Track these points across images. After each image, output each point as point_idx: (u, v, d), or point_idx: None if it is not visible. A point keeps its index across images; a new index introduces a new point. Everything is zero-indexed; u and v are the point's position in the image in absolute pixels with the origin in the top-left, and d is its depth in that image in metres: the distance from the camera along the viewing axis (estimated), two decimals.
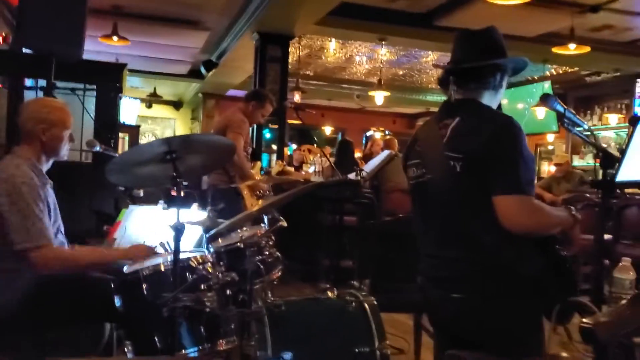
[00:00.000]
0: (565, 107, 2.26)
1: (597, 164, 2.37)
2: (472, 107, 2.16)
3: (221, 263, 2.64)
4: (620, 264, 2.38)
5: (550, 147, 14.08)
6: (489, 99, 2.22)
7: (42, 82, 4.43)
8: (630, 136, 2.38)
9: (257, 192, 4.84)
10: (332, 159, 6.26)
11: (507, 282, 1.99)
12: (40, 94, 4.43)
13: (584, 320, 1.37)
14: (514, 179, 1.94)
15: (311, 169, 8.53)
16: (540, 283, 1.95)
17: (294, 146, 16.25)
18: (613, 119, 11.64)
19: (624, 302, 1.47)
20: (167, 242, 2.68)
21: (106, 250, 3.00)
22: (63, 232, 2.96)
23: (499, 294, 2.00)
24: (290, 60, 9.03)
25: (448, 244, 2.11)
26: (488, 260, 2.00)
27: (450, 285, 2.08)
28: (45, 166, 2.92)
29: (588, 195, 6.16)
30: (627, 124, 11.01)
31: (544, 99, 2.31)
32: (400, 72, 13.55)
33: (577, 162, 11.97)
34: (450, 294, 2.07)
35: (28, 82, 4.82)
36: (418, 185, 2.25)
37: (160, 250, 2.80)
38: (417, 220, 2.31)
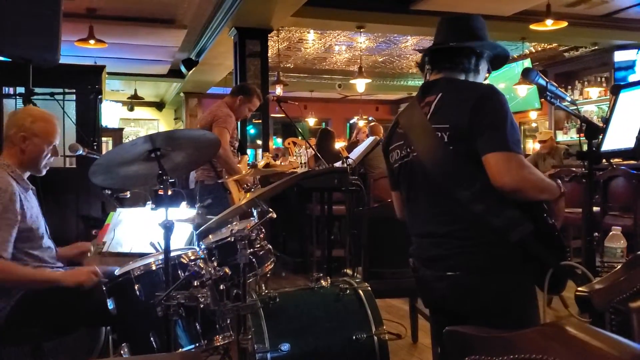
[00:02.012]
0: (547, 80, 2.26)
1: (582, 138, 2.38)
2: (453, 83, 2.17)
3: (213, 258, 2.63)
4: (611, 232, 2.40)
5: (533, 125, 14.14)
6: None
7: (20, 89, 4.38)
8: (613, 105, 2.39)
9: (244, 186, 4.82)
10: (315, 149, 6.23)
11: (498, 253, 1.99)
12: (20, 101, 4.39)
13: (579, 288, 1.37)
14: (502, 137, 1.95)
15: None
16: (530, 250, 1.95)
17: (279, 140, 16.25)
18: (594, 92, 11.70)
19: (617, 269, 1.48)
20: (158, 242, 2.66)
21: (45, 272, 2.79)
22: (49, 235, 2.93)
23: (491, 266, 2.00)
24: (269, 54, 9.00)
25: (437, 221, 2.11)
26: (478, 231, 2.00)
27: (442, 263, 2.07)
28: (26, 174, 2.88)
29: (574, 169, 6.19)
30: (608, 97, 11.08)
31: (526, 74, 2.30)
32: (380, 59, 13.54)
33: (560, 137, 12.03)
34: (443, 273, 2.06)
35: (6, 90, 4.77)
36: (403, 166, 2.24)
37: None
38: (404, 203, 2.30)
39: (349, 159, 4.23)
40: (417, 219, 2.22)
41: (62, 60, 4.49)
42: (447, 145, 2.03)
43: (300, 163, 8.33)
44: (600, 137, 2.34)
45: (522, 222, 1.94)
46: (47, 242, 2.89)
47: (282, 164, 8.62)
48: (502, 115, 1.99)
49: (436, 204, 2.11)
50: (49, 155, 2.90)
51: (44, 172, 2.95)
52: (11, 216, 2.64)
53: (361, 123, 13.48)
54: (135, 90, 14.69)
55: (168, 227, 2.29)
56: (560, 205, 2.10)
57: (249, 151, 9.54)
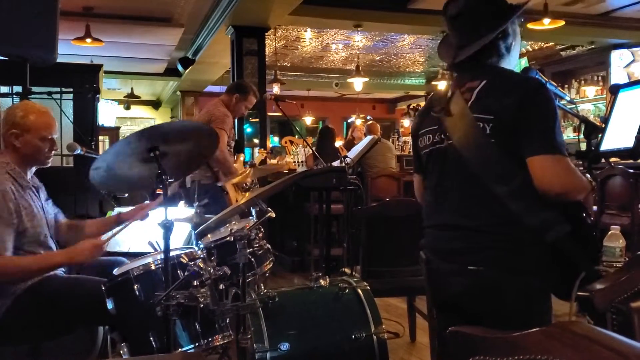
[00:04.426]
0: (547, 79, 2.25)
1: (579, 136, 2.37)
2: (497, 70, 2.08)
3: (212, 258, 2.63)
4: (610, 232, 2.40)
5: None
6: (507, 62, 2.13)
7: (17, 88, 4.37)
8: (611, 105, 2.39)
9: (244, 185, 4.81)
10: (313, 148, 6.23)
11: (528, 253, 1.92)
12: (17, 100, 4.37)
13: (581, 289, 1.37)
14: (551, 139, 1.88)
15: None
16: (565, 251, 1.86)
17: (276, 138, 16.24)
18: (590, 91, 11.71)
19: (618, 268, 1.48)
20: (156, 241, 2.66)
21: (48, 255, 2.79)
22: (51, 236, 2.90)
23: (519, 266, 1.93)
24: (266, 52, 8.97)
25: (468, 214, 2.01)
26: (512, 228, 1.91)
27: (466, 257, 1.98)
28: (29, 172, 2.84)
29: None
30: (604, 96, 11.10)
31: (524, 73, 2.30)
32: (377, 58, 13.53)
33: None
34: (465, 267, 1.97)
35: (4, 89, 4.76)
36: (434, 152, 2.13)
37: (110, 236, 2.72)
38: (428, 190, 2.21)
39: (347, 158, 4.23)
40: (441, 209, 2.11)
41: (59, 59, 4.48)
42: (489, 138, 1.93)
43: (297, 162, 8.33)
44: (600, 136, 2.33)
45: (560, 222, 1.86)
46: (49, 243, 2.86)
47: (279, 162, 8.63)
48: (549, 114, 1.90)
49: (470, 195, 2.01)
50: (48, 149, 2.83)
51: (48, 164, 2.89)
52: (4, 215, 2.59)
53: (358, 122, 13.46)
54: (132, 88, 14.66)
55: (168, 227, 2.29)
56: (589, 198, 2.05)
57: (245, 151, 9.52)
